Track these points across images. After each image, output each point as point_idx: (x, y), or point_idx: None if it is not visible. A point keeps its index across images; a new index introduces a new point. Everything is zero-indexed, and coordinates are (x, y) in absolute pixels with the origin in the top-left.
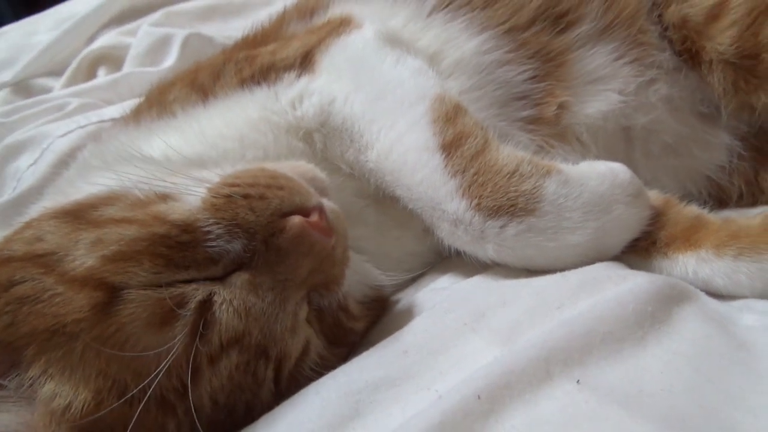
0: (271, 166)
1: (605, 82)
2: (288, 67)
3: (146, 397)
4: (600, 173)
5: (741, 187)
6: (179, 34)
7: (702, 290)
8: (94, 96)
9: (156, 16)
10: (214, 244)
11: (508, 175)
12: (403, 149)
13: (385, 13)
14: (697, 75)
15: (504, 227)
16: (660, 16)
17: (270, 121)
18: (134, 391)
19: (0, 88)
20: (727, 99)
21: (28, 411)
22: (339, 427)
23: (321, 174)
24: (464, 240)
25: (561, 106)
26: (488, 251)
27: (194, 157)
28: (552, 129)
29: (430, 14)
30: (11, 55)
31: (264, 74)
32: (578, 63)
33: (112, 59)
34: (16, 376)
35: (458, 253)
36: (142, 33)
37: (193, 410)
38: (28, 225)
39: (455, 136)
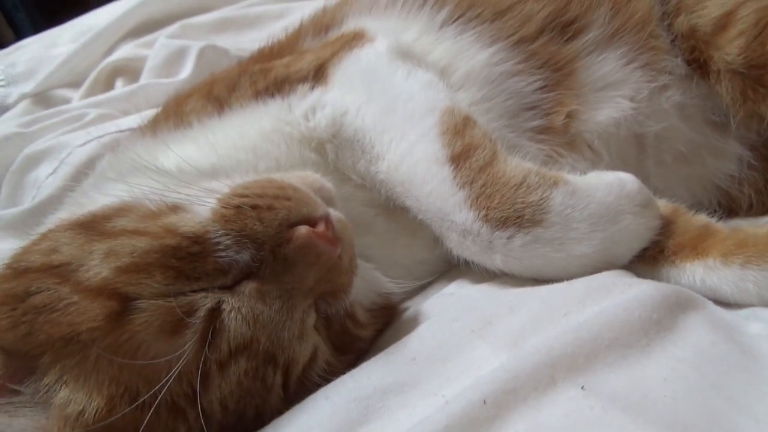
0: (278, 176)
1: (616, 88)
2: (301, 80)
3: (157, 403)
4: (608, 183)
5: (751, 196)
6: (195, 46)
7: (710, 299)
8: (111, 107)
9: (172, 28)
10: (223, 254)
11: (516, 187)
12: (413, 161)
13: (397, 28)
14: (706, 84)
15: (511, 238)
16: (670, 25)
17: (283, 132)
18: (145, 397)
19: (20, 99)
20: (735, 108)
21: (44, 416)
22: None
23: (328, 184)
24: (473, 250)
25: (569, 115)
26: (496, 261)
27: (208, 168)
28: (561, 138)
29: (441, 28)
30: (31, 67)
31: (278, 86)
32: (587, 70)
33: (130, 71)
34: (32, 382)
35: (467, 262)
36: (158, 45)
37: (202, 416)
38: (44, 236)
39: (464, 148)
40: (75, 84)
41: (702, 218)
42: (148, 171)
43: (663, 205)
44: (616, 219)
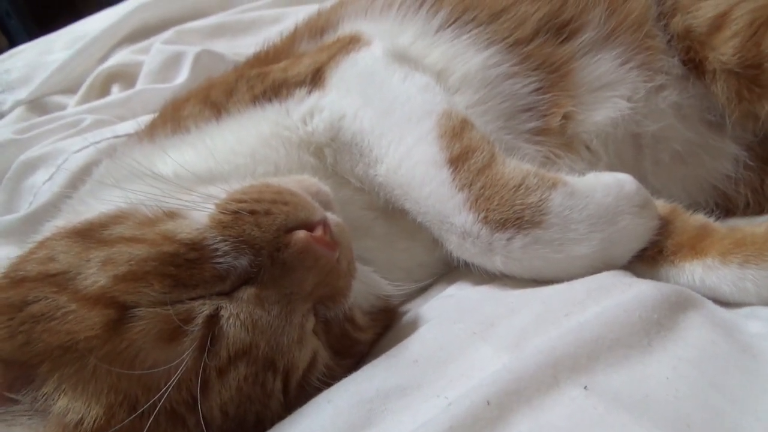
0: (275, 181)
1: (612, 89)
2: (299, 84)
3: (156, 411)
4: (606, 184)
5: (747, 195)
6: (191, 52)
7: (709, 298)
8: (107, 112)
9: (168, 34)
10: (221, 260)
11: (514, 189)
12: (412, 164)
13: (393, 31)
14: (702, 84)
15: (511, 240)
16: (666, 25)
17: (281, 137)
18: (145, 406)
19: (15, 106)
20: (731, 108)
21: (42, 425)
22: None
23: (325, 187)
24: (472, 252)
25: (566, 116)
26: (496, 263)
27: (205, 173)
28: (558, 139)
29: (437, 31)
30: (26, 74)
31: (275, 91)
32: (582, 71)
33: (126, 76)
34: (30, 391)
35: (467, 264)
36: (154, 51)
37: (203, 422)
38: (41, 245)
39: (462, 151)
40: (70, 90)
41: (700, 218)
42: (145, 177)
43: (661, 205)
44: (615, 220)
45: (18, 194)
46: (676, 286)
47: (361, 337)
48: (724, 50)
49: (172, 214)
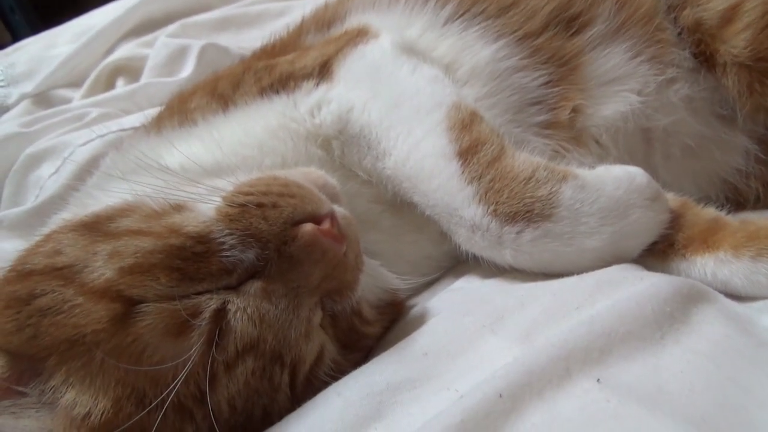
0: (282, 173)
1: (622, 83)
2: (306, 76)
3: (164, 404)
4: (616, 177)
5: (758, 189)
6: (196, 45)
7: (721, 292)
8: (112, 106)
9: (173, 27)
10: (228, 254)
11: (524, 181)
12: (420, 156)
13: (401, 24)
14: (713, 77)
15: (521, 233)
16: (676, 18)
17: (289, 129)
18: (153, 401)
19: (21, 100)
20: (742, 101)
21: (49, 418)
22: (361, 428)
23: (332, 180)
24: (481, 245)
25: (575, 110)
26: (506, 256)
27: (213, 165)
28: (567, 133)
29: (445, 24)
30: (31, 68)
31: (283, 83)
32: (592, 65)
33: (131, 70)
34: (38, 384)
35: (475, 257)
36: (159, 44)
37: (211, 416)
38: (48, 238)
39: (471, 143)
40: (75, 84)
41: (711, 211)
42: (152, 169)
43: (672, 198)
44: (626, 213)
45: (24, 187)
46: (688, 279)
47: (369, 330)
48: (736, 43)
49: (178, 207)
